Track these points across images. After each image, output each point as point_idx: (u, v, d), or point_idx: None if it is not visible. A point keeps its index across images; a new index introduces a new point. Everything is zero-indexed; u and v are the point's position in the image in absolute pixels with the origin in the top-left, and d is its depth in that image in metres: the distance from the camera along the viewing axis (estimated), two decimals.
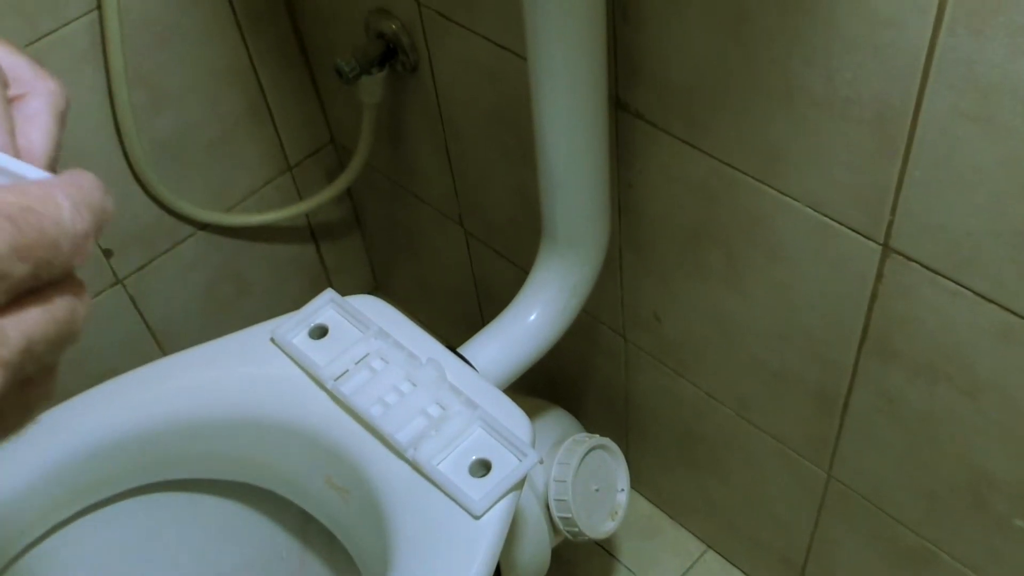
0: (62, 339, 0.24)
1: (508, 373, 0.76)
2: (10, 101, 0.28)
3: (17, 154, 0.27)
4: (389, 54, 0.87)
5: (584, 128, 0.67)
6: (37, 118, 0.29)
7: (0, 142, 0.27)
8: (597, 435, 0.86)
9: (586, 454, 0.84)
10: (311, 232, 1.16)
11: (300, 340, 0.73)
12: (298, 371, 0.72)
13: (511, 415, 0.68)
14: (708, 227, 0.71)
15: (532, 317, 0.76)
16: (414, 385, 0.69)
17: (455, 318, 1.16)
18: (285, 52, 1.00)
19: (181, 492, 0.79)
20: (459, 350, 0.75)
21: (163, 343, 1.07)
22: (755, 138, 0.62)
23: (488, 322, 0.76)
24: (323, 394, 0.70)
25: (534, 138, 0.70)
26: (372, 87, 0.89)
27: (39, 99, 0.29)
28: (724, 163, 0.65)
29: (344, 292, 0.76)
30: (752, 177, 0.64)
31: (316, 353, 0.72)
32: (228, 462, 0.76)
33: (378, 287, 1.27)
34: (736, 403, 0.82)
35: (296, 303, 0.75)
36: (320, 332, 0.73)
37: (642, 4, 0.62)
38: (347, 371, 0.70)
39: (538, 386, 1.04)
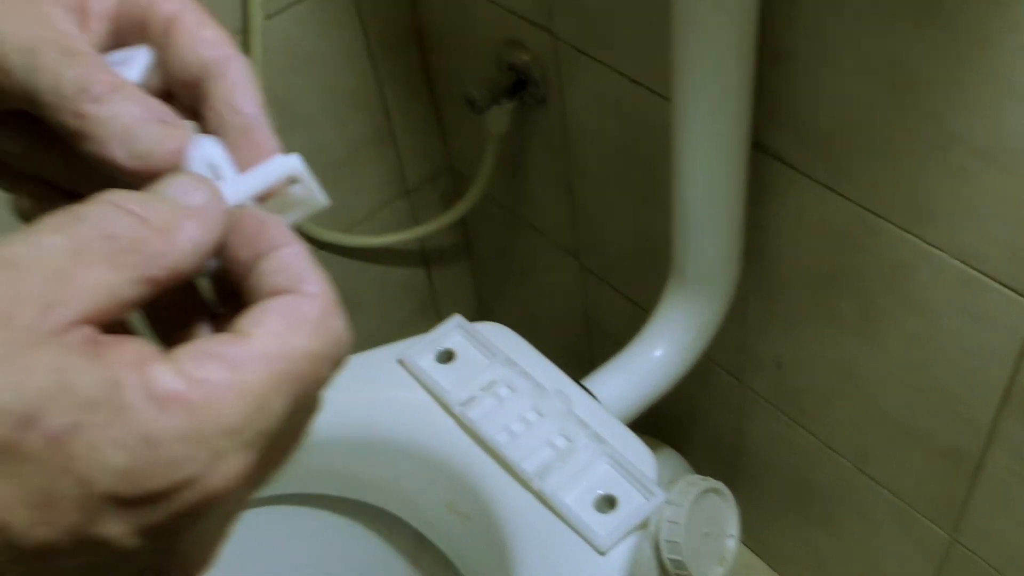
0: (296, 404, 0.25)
1: (631, 409, 0.76)
2: (211, 64, 0.29)
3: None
4: (519, 85, 0.88)
5: (723, 169, 0.67)
6: (245, 82, 0.29)
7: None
8: (710, 478, 0.85)
9: (699, 496, 0.83)
10: (422, 255, 1.18)
11: (427, 363, 0.74)
12: (424, 394, 0.72)
13: (637, 452, 0.67)
14: (843, 273, 0.70)
15: (657, 353, 0.76)
16: (540, 415, 0.69)
17: (560, 350, 1.16)
18: (411, 80, 1.02)
19: (296, 505, 0.81)
20: (583, 382, 0.75)
21: None
22: (903, 186, 0.61)
23: (596, 356, 0.77)
24: (449, 418, 0.71)
25: (669, 176, 0.70)
26: (500, 117, 0.91)
27: (243, 65, 0.29)
28: (867, 209, 0.64)
29: (449, 317, 0.76)
30: (896, 225, 0.63)
31: (443, 377, 0.72)
32: (347, 479, 0.77)
33: (482, 314, 1.28)
34: (856, 455, 0.80)
35: (403, 325, 0.76)
36: (447, 356, 0.74)
37: (792, 49, 0.62)
38: (474, 397, 0.71)
39: (643, 423, 1.03)
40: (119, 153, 0.26)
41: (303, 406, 0.25)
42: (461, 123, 1.04)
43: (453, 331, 0.76)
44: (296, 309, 0.24)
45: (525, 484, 0.66)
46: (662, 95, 0.73)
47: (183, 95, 0.29)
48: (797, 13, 0.59)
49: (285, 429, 0.24)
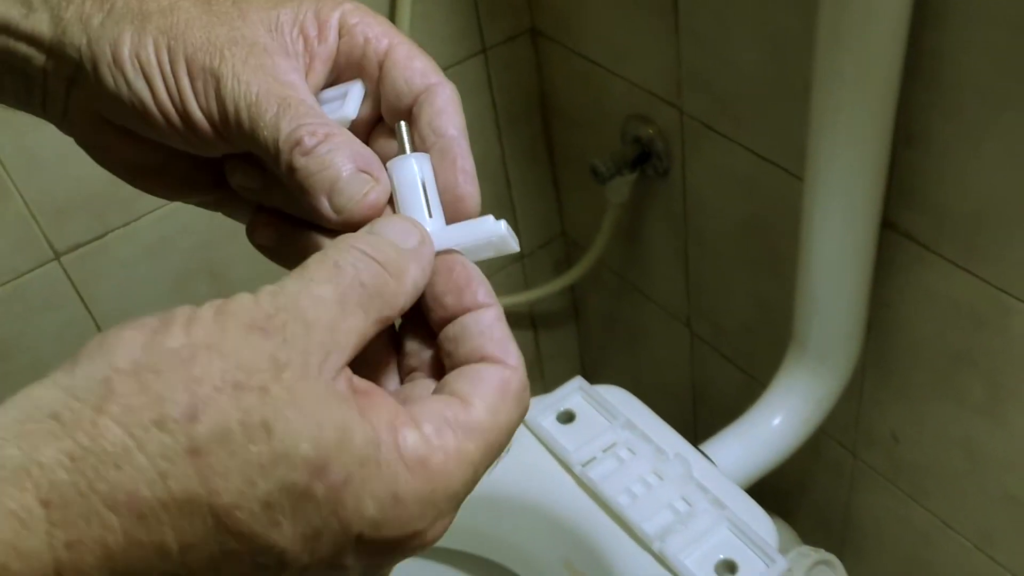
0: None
1: (747, 475, 0.77)
2: (421, 92, 0.32)
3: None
4: (643, 157, 0.91)
5: (852, 246, 0.69)
6: (452, 107, 0.32)
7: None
8: (822, 549, 0.85)
9: (811, 568, 0.83)
10: (531, 318, 1.21)
11: (549, 423, 0.76)
12: (545, 453, 0.74)
13: (757, 518, 0.68)
14: (970, 352, 0.70)
15: (776, 422, 0.77)
16: (660, 478, 0.71)
17: (664, 417, 1.17)
18: (533, 149, 1.06)
19: (413, 558, 0.83)
20: (701, 447, 0.76)
21: None
22: None
23: (701, 425, 0.78)
24: (569, 478, 0.73)
25: (792, 249, 0.72)
26: (621, 188, 0.94)
27: (450, 92, 0.32)
28: (1000, 290, 0.65)
29: (552, 380, 0.78)
30: None
31: (564, 437, 0.74)
32: (466, 533, 0.79)
33: (587, 378, 1.30)
34: (977, 536, 0.79)
35: None
36: (568, 417, 0.76)
37: (928, 131, 0.63)
38: (594, 458, 0.72)
39: (751, 491, 1.03)
40: (324, 206, 0.30)
41: None
42: (578, 191, 1.07)
43: (574, 392, 0.78)
44: (507, 384, 0.27)
45: (645, 546, 0.67)
46: (790, 171, 0.75)
47: (393, 120, 0.33)
48: (936, 97, 0.61)
49: None
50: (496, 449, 0.27)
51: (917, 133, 0.63)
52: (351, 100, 0.33)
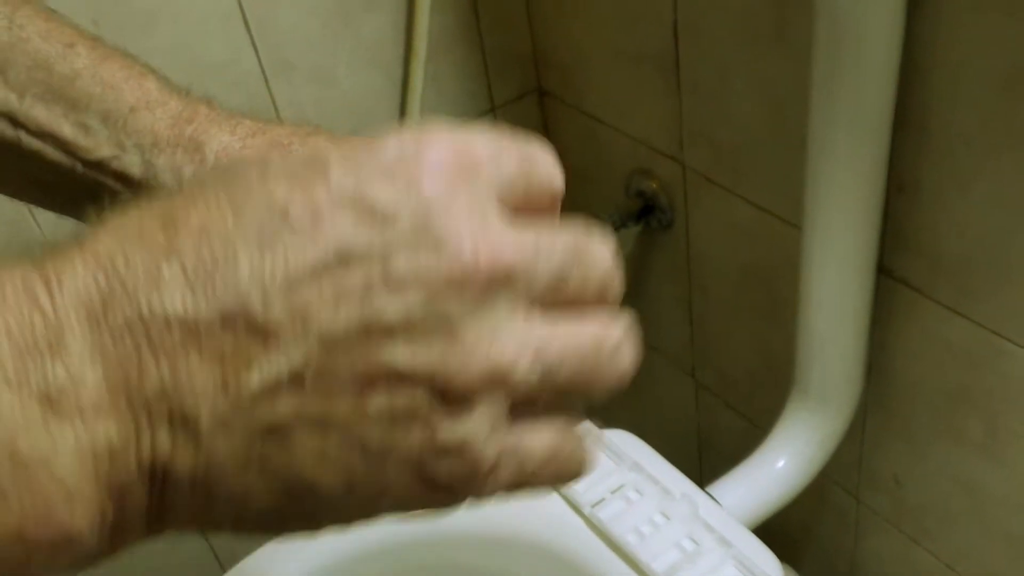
0: (575, 252, 0.25)
1: (752, 517, 0.78)
2: None
3: None
4: (646, 210, 0.94)
5: (849, 292, 0.72)
6: None
7: None
8: None
9: None
10: None
11: None
12: (555, 495, 0.76)
13: (763, 558, 0.70)
14: (968, 394, 0.72)
15: (780, 464, 0.79)
16: (668, 518, 0.72)
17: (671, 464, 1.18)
18: None
19: None
20: (706, 489, 0.78)
21: None
22: None
23: (706, 472, 0.79)
24: (579, 519, 0.74)
25: (792, 297, 0.75)
26: (625, 240, 0.97)
27: None
28: (994, 333, 0.67)
29: None
30: None
31: None
32: (477, 575, 0.80)
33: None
34: None
35: None
36: None
37: (919, 178, 0.66)
38: (603, 499, 0.74)
39: (758, 537, 1.04)
40: None
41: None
42: None
43: None
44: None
45: None
46: (788, 221, 0.78)
47: None
48: (925, 147, 0.64)
49: None
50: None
51: (908, 181, 0.67)
52: None
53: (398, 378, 0.23)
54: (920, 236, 0.69)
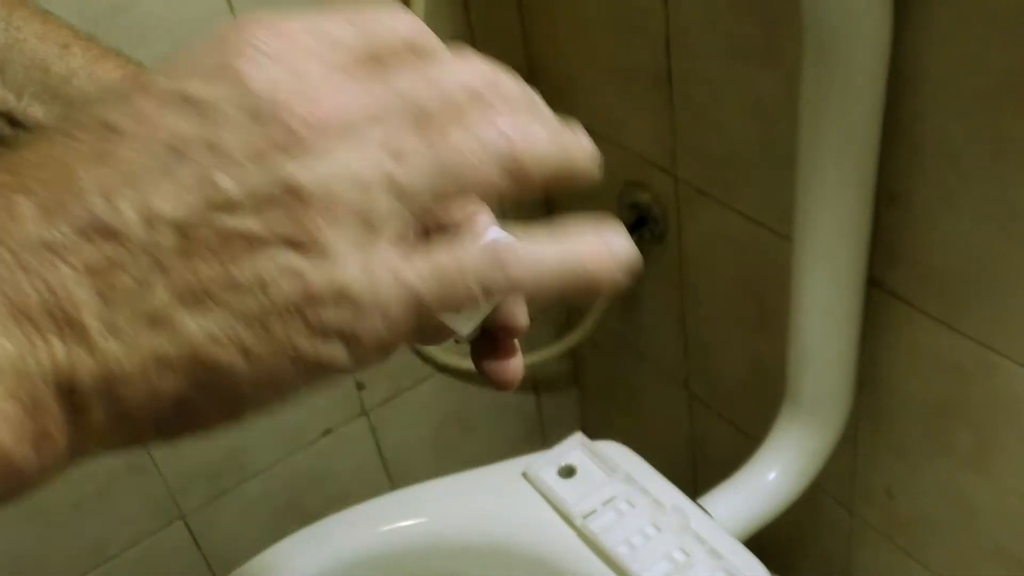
0: (457, 176, 0.26)
1: (744, 529, 0.78)
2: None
3: None
4: (640, 223, 0.95)
5: (839, 304, 0.72)
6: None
7: None
8: None
9: None
10: (532, 381, 1.23)
11: (550, 477, 0.78)
12: (546, 506, 0.77)
13: (754, 570, 0.70)
14: (957, 406, 0.73)
15: (771, 476, 0.79)
16: (659, 530, 0.72)
17: (665, 476, 1.18)
18: (531, 216, 1.10)
19: None
20: (698, 501, 0.78)
21: (392, 474, 1.14)
22: (1023, 324, 0.64)
23: (700, 483, 0.80)
24: (571, 531, 0.75)
25: (784, 309, 0.75)
26: None
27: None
28: (984, 345, 0.68)
29: (554, 441, 0.81)
30: (1014, 361, 0.66)
31: (565, 491, 0.76)
32: None
33: (589, 437, 1.32)
34: None
35: (512, 447, 0.81)
36: (568, 472, 0.79)
37: (907, 191, 0.67)
38: (595, 511, 0.74)
39: (751, 550, 1.04)
40: None
41: None
42: None
43: (574, 448, 0.80)
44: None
45: None
46: (779, 233, 0.79)
47: None
48: (914, 160, 0.64)
49: None
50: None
51: (898, 194, 0.67)
52: None
53: (256, 242, 0.24)
54: (910, 248, 0.69)
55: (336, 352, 0.25)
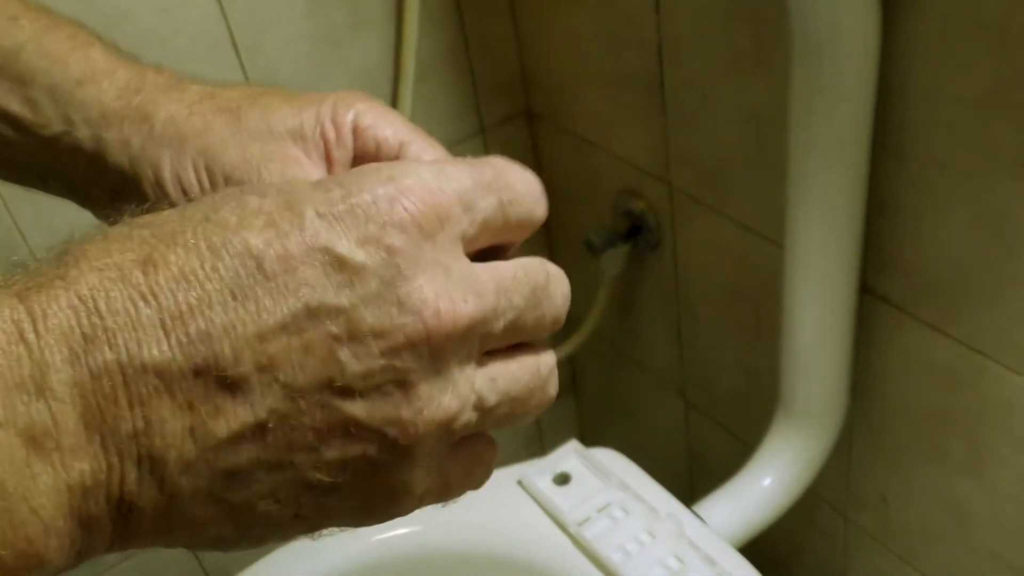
0: (533, 297, 0.27)
1: (739, 536, 0.79)
2: None
3: None
4: (634, 230, 0.95)
5: (831, 311, 0.72)
6: None
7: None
8: None
9: None
10: None
11: (545, 485, 0.78)
12: (541, 513, 0.77)
13: (747, 574, 0.70)
14: (950, 412, 0.73)
15: (766, 482, 0.79)
16: (653, 537, 0.73)
17: (661, 482, 1.18)
18: None
19: None
20: (693, 508, 0.78)
21: None
22: (1012, 328, 0.65)
23: (697, 490, 0.80)
24: (565, 538, 0.75)
25: (777, 316, 0.75)
26: (614, 260, 0.98)
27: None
28: (975, 351, 0.68)
29: (551, 448, 0.81)
30: (1005, 366, 0.66)
31: (560, 498, 0.77)
32: None
33: (586, 445, 1.32)
34: None
35: (508, 454, 0.80)
36: (563, 479, 0.79)
37: (897, 199, 0.67)
38: (589, 518, 0.75)
39: (747, 557, 1.04)
40: None
41: None
42: (573, 265, 1.11)
43: (569, 455, 0.80)
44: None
45: None
46: (772, 240, 0.79)
47: None
48: (903, 168, 0.65)
49: None
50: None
51: (888, 201, 0.67)
52: None
53: (354, 428, 0.24)
54: (901, 255, 0.69)
55: (371, 520, 0.27)
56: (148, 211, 0.25)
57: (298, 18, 0.83)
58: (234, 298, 0.23)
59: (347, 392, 0.24)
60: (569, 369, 1.25)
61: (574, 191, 1.03)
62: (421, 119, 0.94)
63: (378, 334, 0.24)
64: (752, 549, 0.96)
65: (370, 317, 0.24)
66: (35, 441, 0.22)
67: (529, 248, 1.01)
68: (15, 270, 0.24)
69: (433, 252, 0.25)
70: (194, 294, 0.23)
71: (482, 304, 0.25)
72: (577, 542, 0.74)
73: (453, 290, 0.25)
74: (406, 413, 0.24)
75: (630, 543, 0.72)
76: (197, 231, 0.24)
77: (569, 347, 1.10)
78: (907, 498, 0.81)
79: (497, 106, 1.00)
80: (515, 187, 0.28)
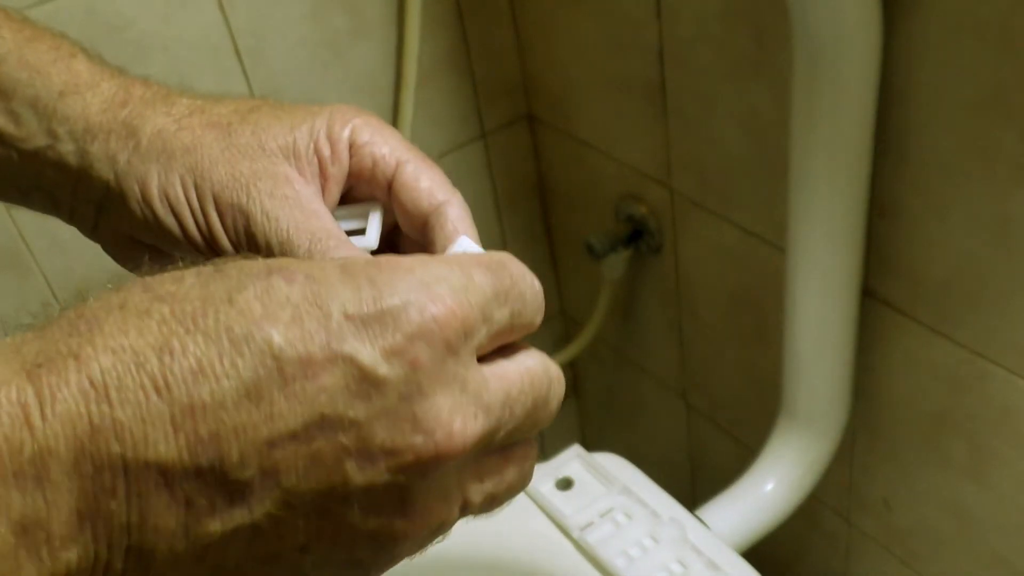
0: (533, 409, 0.27)
1: (741, 540, 0.78)
2: (430, 213, 0.34)
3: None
4: (635, 235, 0.95)
5: (833, 314, 0.72)
6: (462, 221, 0.35)
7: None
8: None
9: None
10: None
11: (547, 489, 0.78)
12: (544, 518, 0.77)
13: None
14: (952, 415, 0.73)
15: (769, 487, 0.79)
16: (656, 541, 0.72)
17: (662, 487, 1.18)
18: (532, 229, 1.10)
19: None
20: (696, 512, 0.78)
21: None
22: (1014, 332, 0.65)
23: (699, 494, 0.80)
24: (568, 543, 0.75)
25: (779, 319, 0.75)
26: (616, 264, 0.98)
27: (457, 207, 0.35)
28: (977, 354, 0.68)
29: (553, 453, 0.81)
30: (1007, 370, 0.66)
31: (562, 503, 0.77)
32: None
33: (587, 450, 1.32)
34: None
35: None
36: (566, 484, 0.79)
37: (900, 203, 0.67)
38: (592, 522, 0.74)
39: (749, 562, 1.04)
40: None
41: None
42: (575, 270, 1.11)
43: (572, 460, 0.80)
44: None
45: None
46: (774, 244, 0.79)
47: (412, 232, 0.35)
48: (905, 171, 0.65)
49: None
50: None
51: (890, 205, 0.67)
52: (372, 229, 0.35)
53: (347, 532, 0.24)
54: (903, 259, 0.69)
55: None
56: (164, 268, 0.25)
57: (300, 24, 0.83)
58: (249, 399, 0.23)
59: (346, 501, 0.24)
60: (571, 374, 1.25)
61: (575, 196, 1.03)
62: (422, 124, 0.94)
63: (388, 451, 0.24)
64: (755, 553, 0.96)
65: (382, 432, 0.24)
66: (26, 531, 0.21)
67: (530, 252, 1.02)
68: (25, 330, 0.23)
69: (455, 367, 0.25)
70: (208, 389, 0.22)
71: (490, 420, 0.26)
72: (580, 547, 0.74)
73: (467, 407, 0.25)
74: (399, 524, 0.25)
75: (633, 548, 0.72)
76: (219, 316, 0.23)
77: (571, 351, 1.10)
78: (909, 502, 0.81)
79: (498, 110, 1.00)
80: (525, 296, 0.28)
